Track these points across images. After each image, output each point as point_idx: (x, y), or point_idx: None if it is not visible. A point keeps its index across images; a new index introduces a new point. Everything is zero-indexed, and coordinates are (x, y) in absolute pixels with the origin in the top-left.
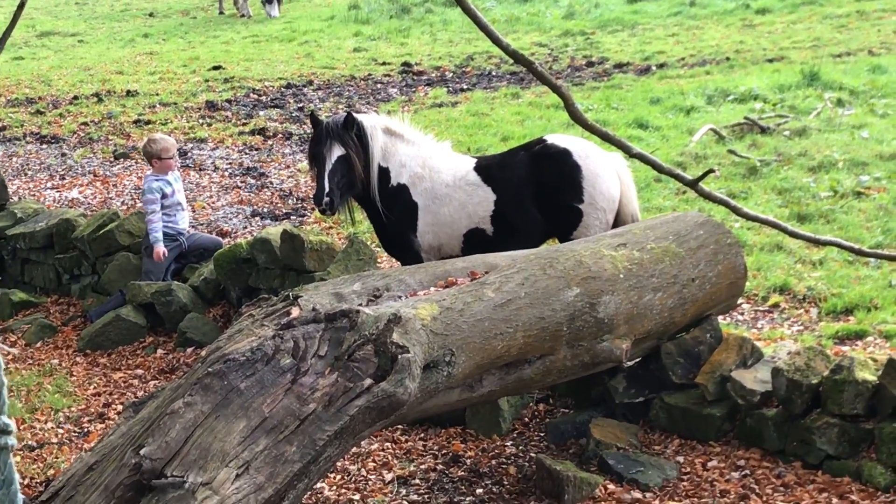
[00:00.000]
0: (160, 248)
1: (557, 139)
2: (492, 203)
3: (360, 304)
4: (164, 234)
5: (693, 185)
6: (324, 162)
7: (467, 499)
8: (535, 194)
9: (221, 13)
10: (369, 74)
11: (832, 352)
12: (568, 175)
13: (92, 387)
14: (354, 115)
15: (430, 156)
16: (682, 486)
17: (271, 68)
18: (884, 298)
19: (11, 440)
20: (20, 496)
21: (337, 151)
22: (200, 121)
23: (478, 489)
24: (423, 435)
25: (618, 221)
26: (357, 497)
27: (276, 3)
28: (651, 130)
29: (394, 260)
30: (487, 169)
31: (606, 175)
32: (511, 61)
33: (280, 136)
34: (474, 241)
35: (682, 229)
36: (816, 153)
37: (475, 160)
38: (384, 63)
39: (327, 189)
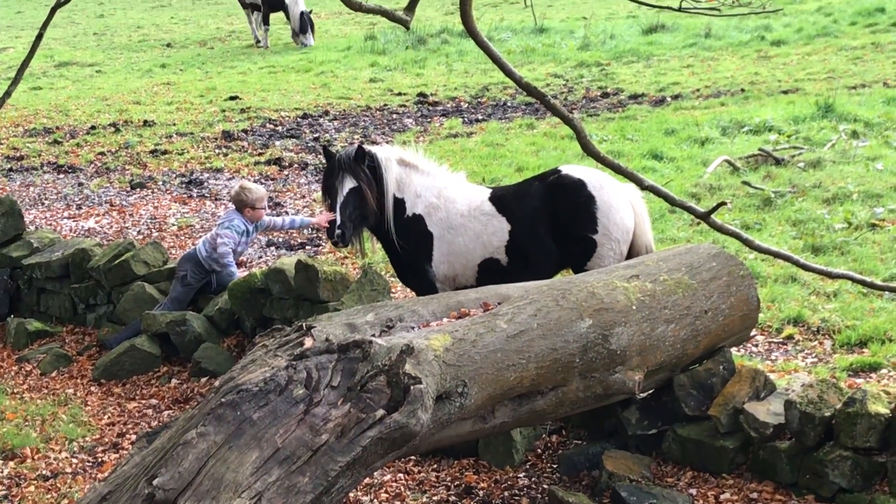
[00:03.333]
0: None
1: (572, 170)
2: (506, 233)
3: (373, 335)
4: (202, 269)
5: (705, 217)
6: (336, 194)
7: None
8: (549, 225)
9: (258, 42)
10: (385, 105)
11: (846, 384)
12: (582, 206)
13: (106, 416)
14: (366, 147)
15: (446, 186)
16: None
17: (287, 98)
18: None
19: None
20: None
21: (349, 184)
22: (217, 151)
23: None
24: (435, 466)
25: (632, 252)
26: None
27: (310, 33)
28: (665, 161)
29: (408, 290)
30: (502, 199)
31: (621, 206)
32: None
33: (296, 166)
34: (489, 271)
35: (695, 261)
36: (831, 185)
37: (490, 190)
38: (400, 93)
39: (339, 221)
